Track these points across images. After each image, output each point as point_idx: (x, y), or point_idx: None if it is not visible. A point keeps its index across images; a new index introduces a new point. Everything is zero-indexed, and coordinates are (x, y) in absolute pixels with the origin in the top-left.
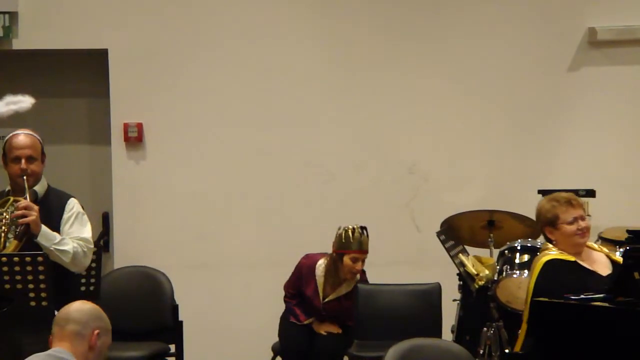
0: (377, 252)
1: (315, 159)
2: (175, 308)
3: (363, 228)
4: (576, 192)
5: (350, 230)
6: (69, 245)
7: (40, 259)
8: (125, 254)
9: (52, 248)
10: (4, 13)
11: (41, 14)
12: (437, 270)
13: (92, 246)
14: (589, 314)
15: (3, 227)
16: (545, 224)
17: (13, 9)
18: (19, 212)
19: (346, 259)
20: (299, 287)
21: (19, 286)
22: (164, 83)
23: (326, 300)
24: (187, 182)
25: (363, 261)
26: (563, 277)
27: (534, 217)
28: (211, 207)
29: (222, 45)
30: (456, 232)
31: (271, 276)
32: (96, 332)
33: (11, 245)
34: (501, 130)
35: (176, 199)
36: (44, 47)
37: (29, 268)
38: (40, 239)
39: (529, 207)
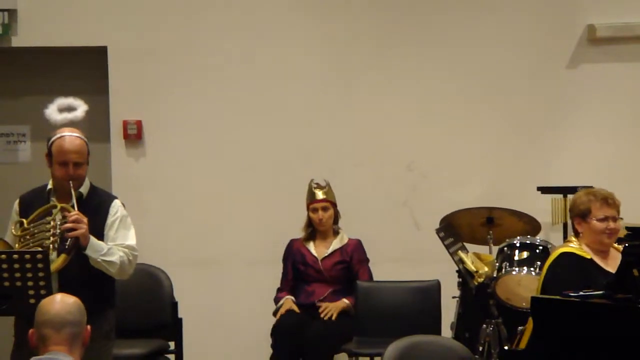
0: (376, 250)
1: (314, 156)
2: (174, 305)
3: (322, 181)
4: (575, 188)
5: (308, 186)
6: (116, 256)
7: (39, 256)
8: None
9: (99, 260)
10: (2, 10)
11: (40, 12)
12: (437, 267)
13: (137, 253)
14: (589, 311)
15: (52, 238)
16: (576, 215)
17: (12, 6)
18: (69, 225)
19: (310, 213)
20: (294, 267)
21: (18, 284)
22: (163, 80)
23: (323, 257)
24: (187, 179)
25: (324, 209)
26: (572, 272)
27: (533, 214)
28: (211, 203)
29: (222, 43)
30: (455, 229)
31: (271, 273)
32: (88, 327)
33: (60, 259)
34: (500, 126)
35: (175, 196)
36: (43, 44)
37: (28, 266)
38: (88, 251)
39: (528, 204)
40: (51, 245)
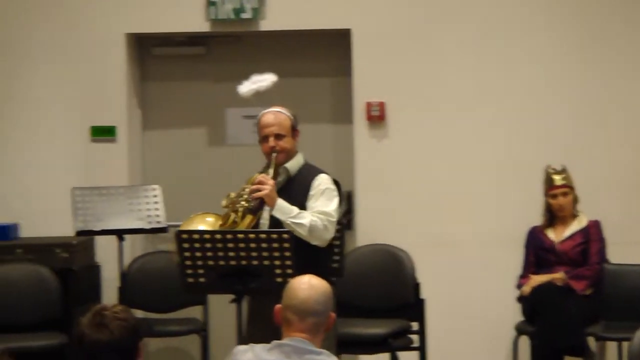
0: (620, 232)
1: (551, 138)
2: (417, 286)
3: (558, 166)
4: None
5: (544, 172)
6: (306, 219)
7: (285, 236)
8: (368, 232)
9: (288, 221)
10: None
11: None
12: None
13: (334, 219)
14: None
15: (242, 202)
16: None
17: None
18: (254, 186)
19: (548, 199)
20: (535, 254)
21: (266, 262)
22: (407, 62)
23: (560, 241)
24: (429, 160)
25: (563, 195)
26: None
27: None
28: (453, 185)
29: (461, 26)
30: None
31: (512, 256)
32: (333, 315)
33: (246, 220)
34: None
35: (418, 178)
36: (290, 27)
37: (275, 245)
38: (275, 213)
39: None
40: (240, 209)
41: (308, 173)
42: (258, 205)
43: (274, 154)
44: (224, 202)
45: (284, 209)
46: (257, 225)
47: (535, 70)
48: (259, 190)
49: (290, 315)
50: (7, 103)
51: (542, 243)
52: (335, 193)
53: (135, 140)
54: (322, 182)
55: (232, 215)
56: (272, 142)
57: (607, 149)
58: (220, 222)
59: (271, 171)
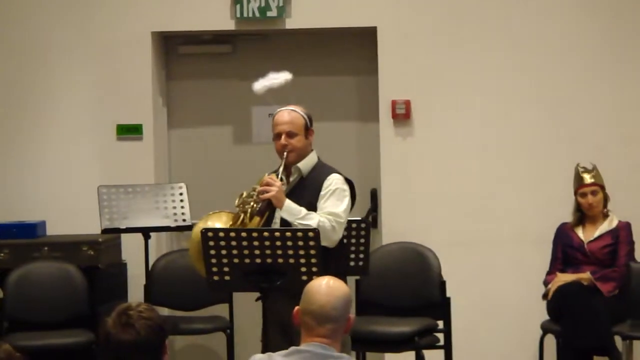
0: None
1: (581, 136)
2: (442, 284)
3: (589, 165)
4: None
5: (575, 171)
6: (314, 220)
7: (311, 234)
8: (393, 230)
9: (296, 222)
10: None
11: None
12: None
13: (343, 220)
14: None
15: (252, 203)
16: None
17: None
18: (261, 188)
19: (578, 198)
20: (562, 251)
21: (291, 261)
22: (432, 60)
23: (589, 241)
24: (454, 158)
25: (593, 193)
26: None
27: None
28: (478, 183)
29: (493, 24)
30: None
31: (539, 255)
32: (351, 317)
33: (254, 221)
34: None
35: (443, 175)
36: (315, 26)
37: (300, 243)
38: (283, 214)
39: None
40: (249, 209)
41: (320, 172)
42: (265, 207)
43: (286, 153)
44: (236, 202)
45: (291, 210)
46: (267, 225)
47: (563, 69)
48: (266, 192)
49: (309, 320)
50: (33, 102)
51: (570, 241)
52: (347, 193)
53: (161, 138)
54: (334, 182)
55: (242, 216)
56: (283, 140)
57: (638, 149)
58: (231, 222)
59: (281, 169)
